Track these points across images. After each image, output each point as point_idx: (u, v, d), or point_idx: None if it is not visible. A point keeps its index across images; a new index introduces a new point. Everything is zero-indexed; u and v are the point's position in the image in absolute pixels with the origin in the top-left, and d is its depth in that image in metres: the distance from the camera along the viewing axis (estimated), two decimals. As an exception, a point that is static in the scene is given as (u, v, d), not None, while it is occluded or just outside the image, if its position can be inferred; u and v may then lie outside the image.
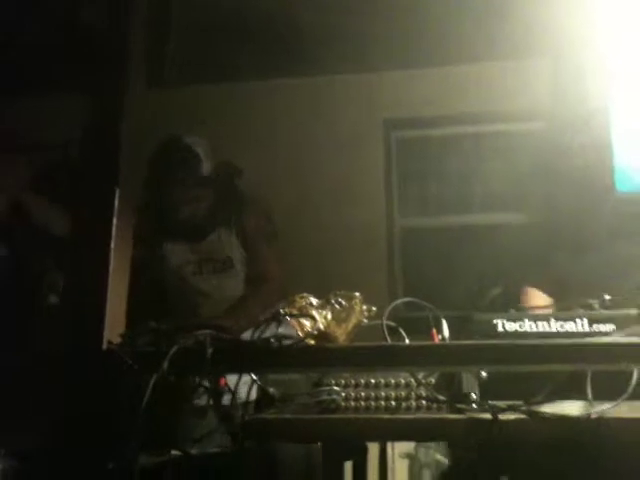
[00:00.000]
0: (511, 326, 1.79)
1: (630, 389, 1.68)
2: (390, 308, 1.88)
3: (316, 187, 4.66)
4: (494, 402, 1.76)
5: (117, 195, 1.97)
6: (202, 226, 3.36)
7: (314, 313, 1.85)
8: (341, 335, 1.84)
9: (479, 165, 4.75)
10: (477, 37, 4.09)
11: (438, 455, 3.01)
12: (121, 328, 1.91)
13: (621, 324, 1.73)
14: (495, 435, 1.73)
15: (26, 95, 4.51)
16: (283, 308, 1.85)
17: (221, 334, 1.80)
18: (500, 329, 1.79)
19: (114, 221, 1.95)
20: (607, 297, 1.87)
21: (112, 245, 1.93)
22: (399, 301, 1.97)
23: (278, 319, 1.83)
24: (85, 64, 2.31)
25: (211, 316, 3.18)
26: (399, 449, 2.94)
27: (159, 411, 1.69)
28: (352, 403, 1.85)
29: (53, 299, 3.12)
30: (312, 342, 1.82)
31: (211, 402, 1.90)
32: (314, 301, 1.87)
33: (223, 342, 1.79)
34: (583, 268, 2.65)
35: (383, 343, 1.81)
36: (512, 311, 1.91)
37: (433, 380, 1.82)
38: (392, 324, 1.85)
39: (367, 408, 1.85)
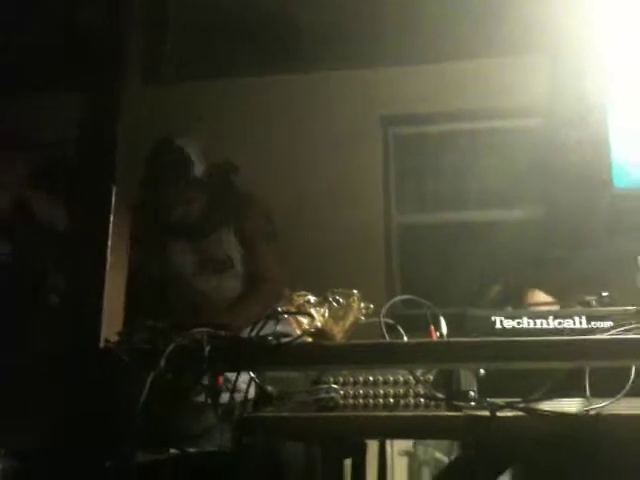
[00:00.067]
0: (509, 323, 1.79)
1: (628, 386, 1.68)
2: (388, 305, 1.88)
3: (313, 184, 4.65)
4: (492, 399, 1.75)
5: (114, 193, 1.97)
6: (201, 226, 3.36)
7: (312, 311, 1.85)
8: (339, 333, 1.85)
9: (476, 162, 4.75)
10: (474, 33, 4.08)
11: (437, 453, 3.01)
12: (119, 326, 1.91)
13: (619, 321, 1.73)
14: (493, 432, 1.73)
15: (24, 94, 4.51)
16: (281, 306, 1.85)
17: (218, 332, 1.80)
18: (498, 326, 1.79)
19: (111, 219, 1.95)
20: (605, 294, 1.88)
21: (109, 243, 1.93)
22: (397, 298, 1.97)
23: (276, 317, 1.83)
24: (82, 63, 2.31)
25: (210, 316, 3.18)
26: (398, 447, 2.94)
27: (157, 409, 1.69)
28: (350, 401, 1.85)
29: (54, 299, 3.12)
30: (310, 340, 1.82)
31: (209, 400, 1.90)
32: (312, 299, 1.87)
33: (220, 340, 1.78)
34: (581, 264, 2.65)
35: (381, 341, 1.81)
36: (509, 308, 1.91)
37: (431, 377, 1.82)
38: (390, 321, 1.85)
39: (365, 406, 1.85)
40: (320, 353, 1.79)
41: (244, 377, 1.88)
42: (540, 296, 2.63)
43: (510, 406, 1.73)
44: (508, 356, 1.70)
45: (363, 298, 1.87)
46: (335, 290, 1.88)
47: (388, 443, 2.59)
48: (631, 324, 1.71)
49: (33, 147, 4.17)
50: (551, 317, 1.78)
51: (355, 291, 1.87)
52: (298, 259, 3.84)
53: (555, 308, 2.12)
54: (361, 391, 1.86)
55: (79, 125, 2.09)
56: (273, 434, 1.89)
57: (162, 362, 1.69)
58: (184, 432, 2.08)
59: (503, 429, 1.73)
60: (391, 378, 1.86)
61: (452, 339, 1.85)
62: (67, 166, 3.48)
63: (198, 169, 3.36)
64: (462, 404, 1.77)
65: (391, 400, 1.84)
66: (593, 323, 1.75)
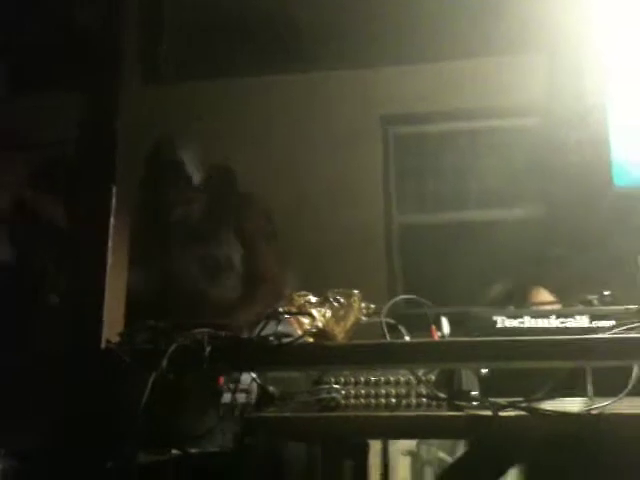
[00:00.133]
0: (511, 323, 1.79)
1: (631, 385, 1.68)
2: (389, 305, 1.88)
3: (312, 184, 4.65)
4: (494, 399, 1.75)
5: (114, 193, 1.96)
6: (201, 226, 3.36)
7: (313, 311, 1.85)
8: (340, 333, 1.84)
9: (476, 161, 4.75)
10: (472, 32, 4.09)
11: (440, 452, 3.01)
12: (120, 327, 1.91)
13: (621, 320, 1.73)
14: (495, 432, 1.73)
15: (24, 94, 4.51)
16: (282, 306, 1.85)
17: (220, 332, 1.80)
18: (500, 326, 1.78)
19: (111, 219, 1.94)
20: (607, 293, 1.87)
21: (110, 243, 1.92)
22: (398, 298, 1.97)
23: (277, 317, 1.83)
24: (82, 63, 2.31)
25: (210, 316, 3.18)
26: (401, 446, 2.93)
27: (159, 410, 1.68)
28: (352, 401, 1.85)
29: (54, 299, 3.12)
30: (311, 340, 1.81)
31: (210, 401, 1.90)
32: (313, 299, 1.87)
33: (222, 340, 1.78)
34: (581, 263, 2.65)
35: (382, 341, 1.81)
36: (511, 308, 1.91)
37: (433, 377, 1.82)
38: (392, 321, 1.85)
39: (367, 406, 1.84)
40: (321, 353, 1.79)
41: (246, 377, 1.88)
42: (544, 294, 2.63)
43: (512, 406, 1.72)
44: (510, 356, 1.70)
45: (364, 298, 1.87)
46: (336, 290, 1.87)
47: (391, 443, 2.59)
48: (633, 323, 1.70)
49: (33, 147, 4.16)
50: (553, 316, 1.77)
51: (356, 291, 1.87)
52: (298, 259, 3.83)
53: (557, 307, 2.12)
54: (363, 391, 1.86)
55: (79, 125, 2.09)
56: (275, 434, 1.89)
57: (164, 362, 1.69)
58: (186, 432, 2.07)
59: (505, 429, 1.73)
60: (392, 378, 1.85)
61: (453, 339, 1.85)
62: (67, 166, 3.49)
63: (195, 171, 3.37)
64: (464, 404, 1.77)
65: (393, 400, 1.84)
66: (595, 322, 1.75)
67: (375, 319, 1.85)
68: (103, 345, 1.85)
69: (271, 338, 1.75)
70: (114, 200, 1.96)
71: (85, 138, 2.09)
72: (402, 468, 2.95)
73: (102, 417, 1.78)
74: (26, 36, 4.10)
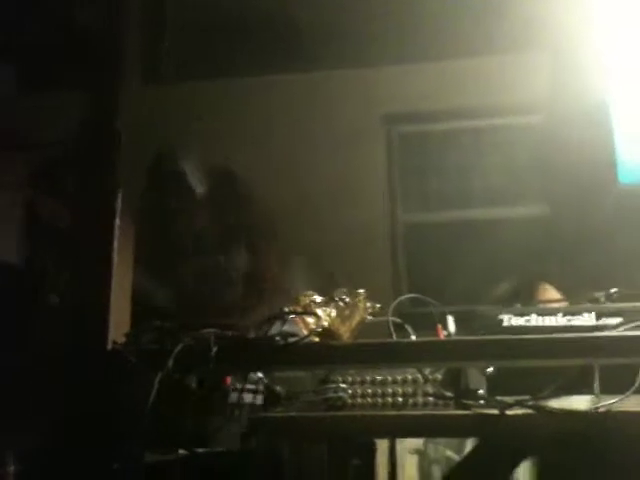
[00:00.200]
0: (517, 321, 1.78)
1: (638, 382, 1.67)
2: (394, 304, 1.87)
3: (314, 184, 4.64)
4: (501, 397, 1.74)
5: (119, 194, 1.96)
6: (202, 227, 3.36)
7: (318, 311, 1.84)
8: (345, 332, 1.84)
9: (480, 159, 4.74)
10: (475, 31, 4.08)
11: (448, 451, 3.00)
12: (126, 328, 1.90)
13: (628, 317, 1.72)
14: (502, 430, 1.72)
15: (24, 94, 4.51)
16: (287, 306, 1.85)
17: (226, 332, 1.79)
18: (506, 324, 1.78)
19: (117, 219, 1.94)
20: (614, 290, 1.87)
21: (115, 244, 1.92)
22: (403, 297, 1.97)
23: (282, 317, 1.82)
24: (82, 63, 2.31)
25: (213, 317, 3.18)
26: (408, 445, 2.93)
27: (165, 410, 1.68)
28: (359, 400, 1.84)
29: (54, 299, 3.12)
30: (317, 339, 1.81)
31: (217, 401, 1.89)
32: (318, 299, 1.87)
33: (228, 340, 1.78)
34: (586, 261, 2.64)
35: (387, 340, 1.81)
36: (517, 306, 1.90)
37: (439, 376, 1.81)
38: (397, 320, 1.84)
39: (374, 405, 1.84)
40: (327, 353, 1.79)
41: (252, 377, 1.88)
42: (551, 291, 2.62)
43: (519, 404, 1.72)
44: (516, 354, 1.70)
45: (370, 298, 1.87)
46: (341, 290, 1.87)
47: (398, 441, 2.58)
48: (640, 321, 1.70)
49: (33, 147, 4.17)
50: (560, 314, 1.77)
51: (361, 290, 1.87)
52: (300, 259, 3.83)
53: (564, 305, 2.12)
54: (369, 390, 1.85)
55: (79, 125, 2.09)
56: (281, 434, 1.88)
57: (170, 362, 1.68)
58: (192, 432, 2.07)
59: (512, 427, 1.72)
60: (399, 377, 1.85)
61: (459, 337, 1.84)
62: (67, 166, 3.49)
63: (199, 180, 3.39)
64: (471, 402, 1.77)
65: (400, 399, 1.83)
66: (602, 320, 1.74)
67: (381, 318, 1.84)
68: (109, 346, 1.84)
69: (277, 338, 1.75)
70: (119, 201, 1.96)
71: (86, 138, 2.09)
72: (409, 467, 2.95)
73: (108, 417, 1.78)
74: (26, 36, 4.10)
